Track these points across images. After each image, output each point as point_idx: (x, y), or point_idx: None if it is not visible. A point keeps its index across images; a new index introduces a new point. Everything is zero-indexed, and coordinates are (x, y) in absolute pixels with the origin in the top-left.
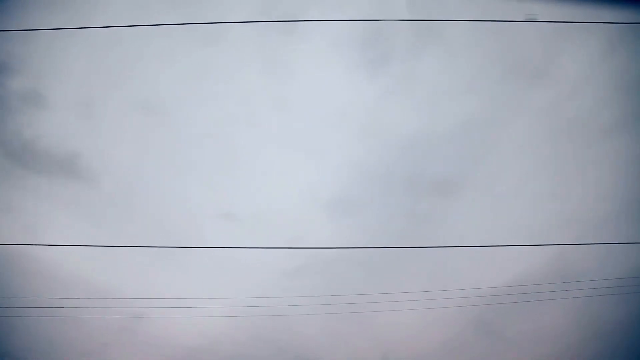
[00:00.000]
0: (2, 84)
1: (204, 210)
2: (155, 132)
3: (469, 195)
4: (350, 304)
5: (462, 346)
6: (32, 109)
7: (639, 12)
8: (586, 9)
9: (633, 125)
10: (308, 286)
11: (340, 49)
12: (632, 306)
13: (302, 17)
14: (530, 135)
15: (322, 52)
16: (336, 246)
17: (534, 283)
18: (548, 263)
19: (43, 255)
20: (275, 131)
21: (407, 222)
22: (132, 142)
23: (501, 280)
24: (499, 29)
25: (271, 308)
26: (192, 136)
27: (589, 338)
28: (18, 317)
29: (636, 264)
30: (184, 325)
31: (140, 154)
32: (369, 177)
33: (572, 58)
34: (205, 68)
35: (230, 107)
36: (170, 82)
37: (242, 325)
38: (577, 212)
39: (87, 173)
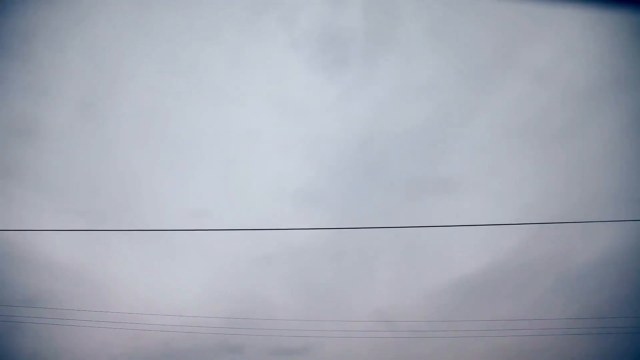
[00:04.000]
0: None
1: (175, 202)
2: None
3: (426, 189)
4: (317, 291)
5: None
6: None
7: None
8: (547, 9)
9: (590, 126)
10: (277, 273)
11: (301, 48)
12: None
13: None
14: (487, 133)
15: (284, 51)
16: (301, 230)
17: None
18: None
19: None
20: (243, 127)
21: (368, 212)
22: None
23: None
24: (457, 31)
25: (243, 293)
26: (166, 131)
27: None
28: None
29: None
30: (162, 309)
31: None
32: (332, 171)
33: (532, 56)
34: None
35: (204, 102)
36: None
37: (216, 310)
38: (536, 206)
39: None
